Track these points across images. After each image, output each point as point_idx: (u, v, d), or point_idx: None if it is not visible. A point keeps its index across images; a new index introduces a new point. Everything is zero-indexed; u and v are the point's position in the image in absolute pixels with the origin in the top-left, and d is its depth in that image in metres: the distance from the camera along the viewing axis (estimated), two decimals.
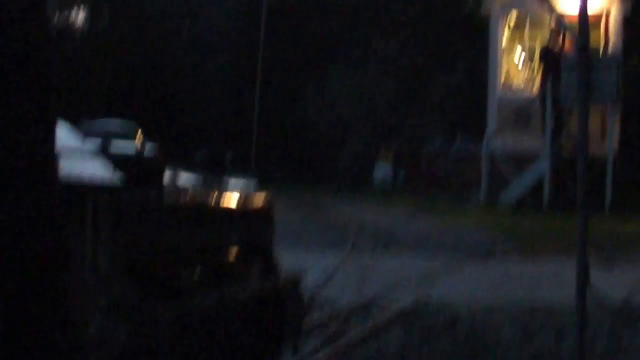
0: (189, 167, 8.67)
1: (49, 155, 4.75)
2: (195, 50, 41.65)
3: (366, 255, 21.27)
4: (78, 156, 5.98)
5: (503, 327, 13.13)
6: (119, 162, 6.35)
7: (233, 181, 9.22)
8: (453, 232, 26.54)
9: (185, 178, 7.96)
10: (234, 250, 8.83)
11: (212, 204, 8.36)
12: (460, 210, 31.67)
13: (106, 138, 6.59)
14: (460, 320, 13.42)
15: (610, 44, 32.14)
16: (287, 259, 15.01)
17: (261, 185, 10.01)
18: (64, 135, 5.54)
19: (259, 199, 9.62)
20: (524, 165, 31.90)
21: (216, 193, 8.54)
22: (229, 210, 8.79)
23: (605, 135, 30.88)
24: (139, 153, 6.86)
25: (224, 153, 9.18)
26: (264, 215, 9.69)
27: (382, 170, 40.96)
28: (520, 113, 30.33)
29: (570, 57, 8.83)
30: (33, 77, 4.72)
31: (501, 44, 33.29)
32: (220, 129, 41.37)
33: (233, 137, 39.98)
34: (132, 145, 6.99)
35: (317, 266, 18.52)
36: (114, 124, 7.29)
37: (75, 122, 6.61)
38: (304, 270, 16.39)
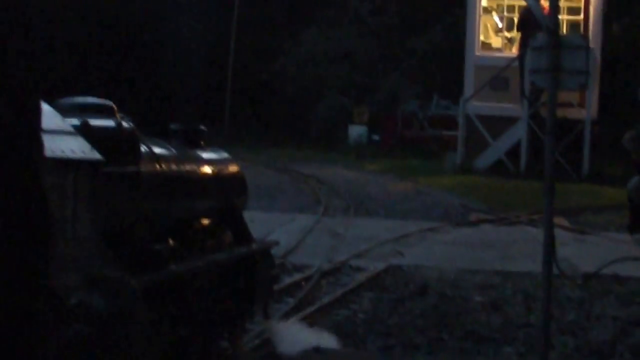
0: (164, 138, 8.70)
1: (35, 131, 4.76)
2: (167, 15, 41.03)
3: (338, 219, 20.94)
4: (59, 134, 6.12)
5: (473, 293, 12.93)
6: (97, 139, 6.41)
7: (207, 151, 9.31)
8: (427, 196, 26.25)
9: (160, 150, 7.93)
10: (208, 219, 8.93)
11: (187, 174, 8.35)
12: (435, 173, 31.40)
13: (84, 116, 6.63)
14: (431, 286, 13.15)
15: (592, 12, 31.70)
16: (260, 222, 14.79)
17: (234, 148, 9.92)
18: (44, 114, 5.59)
19: (231, 167, 9.70)
20: (501, 129, 31.56)
21: (191, 163, 8.59)
22: (203, 179, 8.79)
23: (584, 101, 30.52)
24: (116, 129, 6.98)
25: (198, 122, 9.43)
26: (237, 183, 9.76)
27: (357, 132, 40.60)
28: (498, 77, 29.84)
29: (538, 39, 8.57)
30: (17, 50, 4.69)
31: (480, 5, 32.78)
32: (194, 94, 40.91)
33: (208, 102, 39.45)
34: (109, 121, 7.02)
35: (289, 229, 18.24)
36: (90, 101, 7.25)
37: (50, 100, 6.60)
38: (276, 234, 16.23)
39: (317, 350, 9.12)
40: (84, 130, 6.47)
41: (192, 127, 9.43)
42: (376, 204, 24.42)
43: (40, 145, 4.87)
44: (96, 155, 6.36)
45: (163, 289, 7.16)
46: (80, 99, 7.24)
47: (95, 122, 6.80)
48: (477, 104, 32.04)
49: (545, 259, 7.80)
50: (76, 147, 6.21)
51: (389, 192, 27.96)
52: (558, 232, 20.08)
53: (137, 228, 7.23)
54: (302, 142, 40.15)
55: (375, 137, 41.13)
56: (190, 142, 9.05)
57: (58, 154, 5.83)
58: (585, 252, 16.86)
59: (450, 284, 13.39)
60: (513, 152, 31.12)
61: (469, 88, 32.53)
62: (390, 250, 16.65)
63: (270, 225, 17.47)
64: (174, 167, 8.06)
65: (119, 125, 7.11)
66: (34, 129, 4.83)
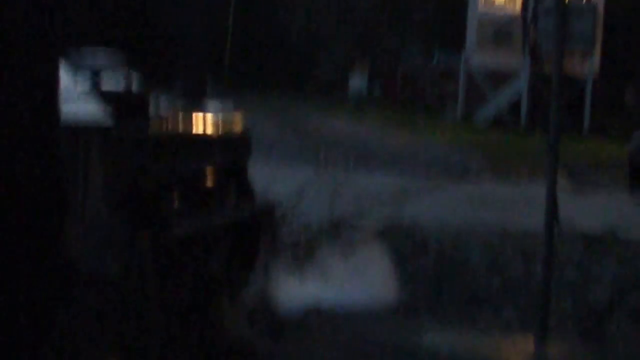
0: (169, 94, 8.68)
1: (53, 97, 4.81)
2: None
3: (338, 173, 20.91)
4: (69, 98, 5.98)
5: (473, 253, 12.92)
6: (108, 98, 6.35)
7: (212, 105, 9.17)
8: (427, 149, 26.24)
9: (167, 107, 7.89)
10: (213, 176, 8.76)
11: (193, 131, 8.24)
12: (435, 126, 31.33)
13: (95, 75, 6.66)
14: (431, 245, 13.14)
15: None
16: (258, 175, 14.69)
17: (235, 97, 9.86)
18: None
19: (236, 121, 9.53)
20: (503, 82, 31.47)
21: (197, 119, 8.43)
22: (209, 135, 8.66)
23: (587, 58, 30.41)
24: (127, 87, 7.05)
25: (203, 76, 9.35)
26: (242, 138, 9.58)
27: (358, 82, 40.43)
28: (501, 29, 29.72)
29: (546, 2, 8.67)
30: (38, 18, 4.71)
31: None
32: (198, 47, 40.74)
33: (210, 51, 39.24)
34: (119, 79, 7.08)
35: (287, 183, 18.20)
36: (100, 55, 7.21)
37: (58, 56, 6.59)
38: (275, 188, 16.18)
39: (317, 312, 9.16)
40: (94, 92, 6.42)
41: (197, 81, 9.41)
42: (376, 158, 24.38)
43: (57, 111, 4.90)
44: (107, 120, 6.31)
45: (170, 250, 7.16)
46: (89, 55, 7.17)
47: (105, 82, 6.80)
48: (479, 57, 31.94)
49: (547, 222, 7.77)
50: (87, 112, 6.17)
51: (389, 145, 27.93)
52: (558, 189, 20.23)
53: (145, 190, 7.16)
54: (302, 93, 40.04)
55: (376, 89, 41.01)
56: (195, 96, 8.97)
57: (70, 119, 5.76)
58: (587, 211, 16.64)
59: (450, 243, 13.39)
60: (514, 107, 31.08)
61: (471, 41, 32.41)
62: (390, 208, 16.62)
63: (268, 179, 17.39)
64: (180, 124, 8.00)
65: (129, 84, 7.12)
66: (52, 96, 4.85)
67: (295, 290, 9.98)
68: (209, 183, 8.69)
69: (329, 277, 11.26)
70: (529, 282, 11.32)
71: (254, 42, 42.24)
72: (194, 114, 8.49)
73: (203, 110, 8.86)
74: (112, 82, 7.00)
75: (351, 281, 11.03)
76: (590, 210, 17.48)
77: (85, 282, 5.91)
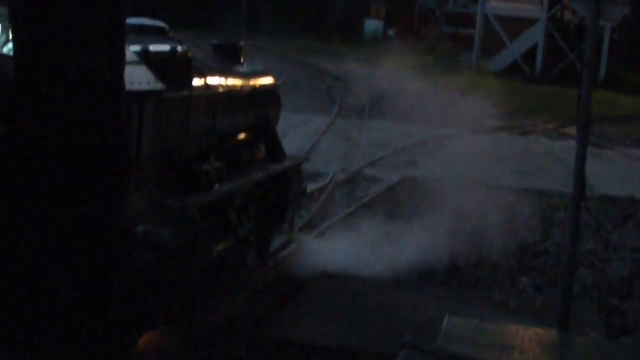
0: (205, 55, 8.86)
1: (119, 65, 5.01)
2: None
3: (352, 121, 20.92)
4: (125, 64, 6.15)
5: (489, 212, 12.76)
6: (156, 64, 6.52)
7: (245, 66, 9.30)
8: (442, 97, 26.02)
9: (206, 69, 8.07)
10: (246, 134, 9.05)
11: (230, 92, 8.40)
12: (450, 72, 31.10)
13: (145, 42, 6.72)
14: (445, 202, 12.98)
15: None
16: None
17: (252, 38, 9.80)
18: None
19: (268, 81, 9.70)
20: (519, 30, 31.29)
21: (233, 80, 8.60)
22: (244, 96, 8.85)
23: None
24: (172, 52, 7.08)
25: (237, 38, 9.48)
26: (272, 98, 9.82)
27: (373, 26, 40.23)
28: None
29: None
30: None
31: None
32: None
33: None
34: (165, 46, 7.10)
35: (303, 131, 18.22)
36: (144, 23, 7.29)
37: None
38: (290, 136, 16.17)
39: (326, 274, 9.24)
40: (144, 57, 6.51)
41: (231, 42, 9.47)
42: (391, 104, 24.22)
43: (122, 79, 5.06)
44: (159, 85, 6.44)
45: (208, 208, 7.31)
46: (135, 21, 7.27)
47: (154, 47, 6.84)
48: (495, 3, 31.74)
49: (574, 205, 7.62)
50: (141, 78, 6.26)
51: (404, 90, 27.70)
52: (572, 143, 20.03)
53: (186, 150, 7.34)
54: (319, 34, 39.84)
55: (391, 33, 40.79)
56: (229, 56, 9.07)
57: (127, 86, 5.86)
58: (603, 169, 16.67)
59: (465, 200, 13.26)
60: (529, 55, 30.90)
61: None
62: (404, 159, 16.60)
63: (284, 127, 17.39)
64: (219, 86, 8.14)
65: (174, 49, 7.15)
66: (120, 64, 5.02)
67: (314, 245, 10.09)
68: (242, 140, 8.91)
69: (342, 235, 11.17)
70: (545, 249, 11.21)
71: None
72: (230, 73, 8.65)
73: (238, 68, 9.03)
74: (160, 46, 7.06)
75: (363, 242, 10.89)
76: (607, 167, 17.42)
77: (139, 245, 6.13)
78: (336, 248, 10.10)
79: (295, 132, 17.79)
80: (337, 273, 9.34)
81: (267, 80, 9.67)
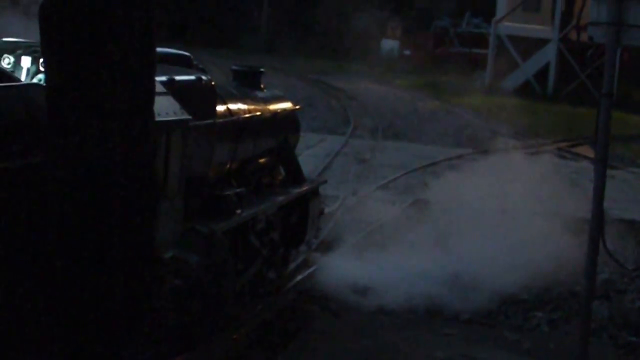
0: (226, 82, 9.08)
1: (149, 95, 5.07)
2: None
3: (366, 141, 21.16)
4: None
5: (500, 238, 12.39)
6: (181, 94, 6.63)
7: (265, 92, 9.54)
8: (455, 116, 26.37)
9: (229, 96, 8.28)
10: (267, 159, 9.25)
11: (251, 119, 8.60)
12: (464, 92, 31.45)
13: (170, 72, 6.87)
14: (457, 230, 12.62)
15: None
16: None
17: (269, 57, 9.84)
18: None
19: (287, 107, 9.94)
20: (531, 50, 31.68)
21: (254, 107, 8.81)
22: (264, 122, 9.04)
23: None
24: (197, 82, 7.25)
25: (257, 66, 9.68)
26: (292, 123, 10.03)
27: (389, 45, 40.70)
28: None
29: None
30: (138, 24, 4.96)
31: None
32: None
33: (245, 11, 39.17)
34: (190, 76, 7.30)
35: (316, 152, 18.44)
36: (171, 55, 7.55)
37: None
38: (303, 157, 16.32)
39: (354, 290, 9.44)
40: (170, 88, 6.63)
41: (251, 67, 9.74)
42: (404, 124, 24.63)
43: (152, 109, 5.18)
44: (185, 115, 6.57)
45: (233, 233, 7.57)
46: (160, 51, 7.49)
47: (179, 77, 7.01)
48: (508, 24, 32.15)
49: (590, 247, 7.40)
50: (168, 108, 6.39)
51: (418, 110, 28.19)
52: (585, 164, 20.04)
53: (210, 176, 7.57)
54: (335, 54, 40.29)
55: (407, 52, 41.24)
56: (249, 82, 9.35)
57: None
58: (616, 191, 16.42)
59: (477, 226, 12.74)
60: (541, 74, 31.28)
61: (501, 8, 32.62)
62: (415, 181, 16.72)
63: (298, 147, 17.53)
64: (241, 113, 8.38)
65: (199, 78, 7.37)
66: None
67: (334, 265, 10.23)
68: (263, 164, 9.21)
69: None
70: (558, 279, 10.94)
71: (288, 6, 42.41)
72: (252, 100, 8.94)
73: (258, 94, 9.32)
74: (185, 76, 7.24)
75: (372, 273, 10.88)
76: (620, 188, 17.46)
77: (168, 270, 6.29)
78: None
79: (309, 152, 17.97)
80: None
81: (287, 105, 9.97)
